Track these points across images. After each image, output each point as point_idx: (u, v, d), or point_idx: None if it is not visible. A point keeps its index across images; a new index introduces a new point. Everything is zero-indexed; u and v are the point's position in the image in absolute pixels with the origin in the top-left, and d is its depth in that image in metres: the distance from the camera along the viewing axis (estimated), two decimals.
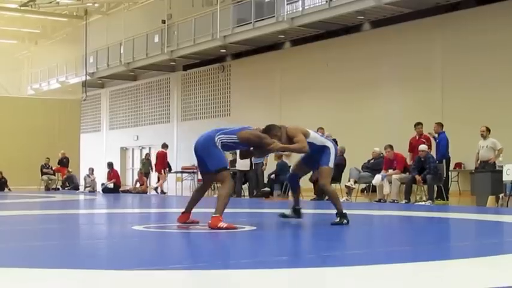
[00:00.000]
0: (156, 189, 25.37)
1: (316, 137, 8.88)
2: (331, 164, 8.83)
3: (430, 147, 16.84)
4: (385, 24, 23.78)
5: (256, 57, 29.42)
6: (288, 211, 9.22)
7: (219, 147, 8.19)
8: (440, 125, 17.22)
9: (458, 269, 4.90)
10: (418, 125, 17.41)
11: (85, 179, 27.95)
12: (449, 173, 18.06)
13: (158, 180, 25.69)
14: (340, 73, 25.42)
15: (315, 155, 8.88)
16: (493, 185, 14.67)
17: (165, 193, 24.82)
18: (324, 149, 8.85)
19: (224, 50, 30.15)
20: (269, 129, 8.67)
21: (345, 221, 8.59)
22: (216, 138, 8.17)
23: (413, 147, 17.24)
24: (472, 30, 21.27)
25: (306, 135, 8.74)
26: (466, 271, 4.76)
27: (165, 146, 25.62)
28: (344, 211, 8.71)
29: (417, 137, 17.30)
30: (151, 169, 27.30)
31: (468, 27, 21.39)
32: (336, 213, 8.72)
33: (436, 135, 17.12)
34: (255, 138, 8.47)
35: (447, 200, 16.48)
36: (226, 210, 8.21)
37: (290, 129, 8.74)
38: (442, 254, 6.13)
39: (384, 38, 23.86)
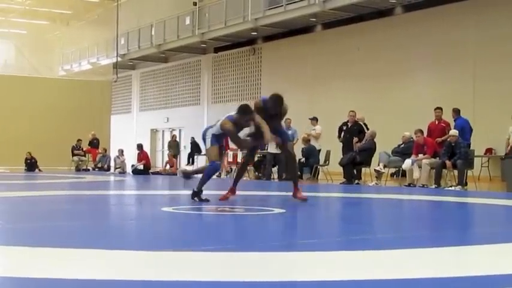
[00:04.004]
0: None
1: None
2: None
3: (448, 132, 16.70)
4: (417, 8, 23.58)
5: (288, 40, 29.31)
6: None
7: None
8: (457, 111, 17.04)
9: (486, 254, 4.88)
10: (437, 109, 17.30)
11: (115, 160, 28.10)
12: (475, 158, 17.98)
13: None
14: (372, 57, 25.27)
15: None
16: None
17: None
18: None
19: (255, 33, 30.07)
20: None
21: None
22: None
23: (431, 131, 17.17)
24: (505, 14, 21.03)
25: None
26: (494, 256, 4.74)
27: None
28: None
29: (436, 122, 17.22)
30: (179, 151, 27.37)
31: (502, 11, 21.16)
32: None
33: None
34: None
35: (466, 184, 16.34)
36: (254, 193, 8.22)
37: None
38: (471, 239, 6.11)
39: (416, 22, 23.65)
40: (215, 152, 9.49)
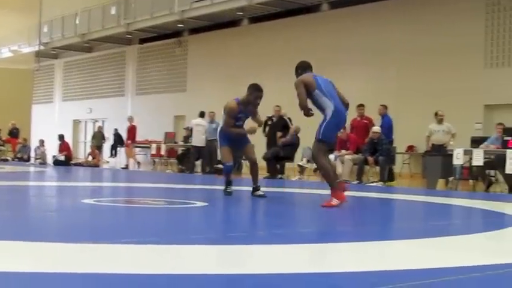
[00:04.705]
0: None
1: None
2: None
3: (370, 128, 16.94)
4: (344, 5, 23.83)
5: (214, 33, 29.27)
6: None
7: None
8: (385, 107, 17.27)
9: (404, 249, 4.95)
10: (360, 106, 17.52)
11: (35, 151, 27.63)
12: (396, 155, 18.29)
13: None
14: (298, 52, 25.36)
15: None
16: (443, 169, 14.86)
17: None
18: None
19: (182, 25, 29.94)
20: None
21: None
22: None
23: (354, 128, 17.37)
24: (429, 13, 21.42)
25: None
26: (412, 251, 4.81)
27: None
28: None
29: (359, 119, 17.42)
30: (104, 142, 27.08)
31: (426, 10, 21.53)
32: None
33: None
34: None
35: (393, 180, 16.58)
36: (177, 186, 8.17)
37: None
38: (390, 234, 6.19)
39: (343, 19, 23.89)
40: (224, 152, 9.73)
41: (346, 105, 8.90)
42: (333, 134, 8.71)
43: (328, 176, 8.46)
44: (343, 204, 8.23)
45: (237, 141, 9.71)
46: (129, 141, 24.93)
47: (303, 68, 9.25)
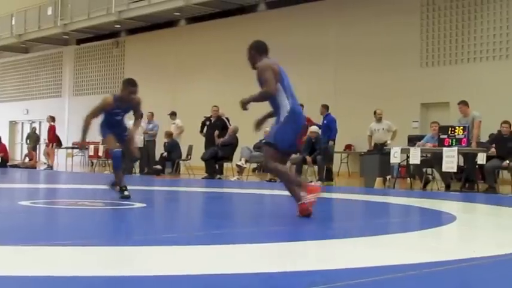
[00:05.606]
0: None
1: None
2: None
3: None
4: (281, 5, 23.94)
5: (152, 34, 29.13)
6: None
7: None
8: (326, 107, 17.36)
9: (342, 248, 4.98)
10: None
11: None
12: (335, 154, 18.41)
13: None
14: (235, 53, 25.36)
15: None
16: (380, 167, 15.02)
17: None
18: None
19: (119, 26, 29.73)
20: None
21: None
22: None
23: None
24: (365, 14, 21.66)
25: None
26: (350, 250, 4.85)
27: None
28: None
29: None
30: (39, 143, 26.66)
31: (361, 11, 21.77)
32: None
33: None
34: None
35: (332, 180, 16.68)
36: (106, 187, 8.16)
37: None
38: (328, 233, 6.23)
39: (279, 19, 23.99)
40: (109, 140, 9.09)
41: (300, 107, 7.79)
42: (289, 140, 7.21)
43: (287, 178, 7.25)
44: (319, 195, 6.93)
45: (116, 130, 9.24)
46: (48, 142, 24.45)
47: (258, 48, 7.91)
